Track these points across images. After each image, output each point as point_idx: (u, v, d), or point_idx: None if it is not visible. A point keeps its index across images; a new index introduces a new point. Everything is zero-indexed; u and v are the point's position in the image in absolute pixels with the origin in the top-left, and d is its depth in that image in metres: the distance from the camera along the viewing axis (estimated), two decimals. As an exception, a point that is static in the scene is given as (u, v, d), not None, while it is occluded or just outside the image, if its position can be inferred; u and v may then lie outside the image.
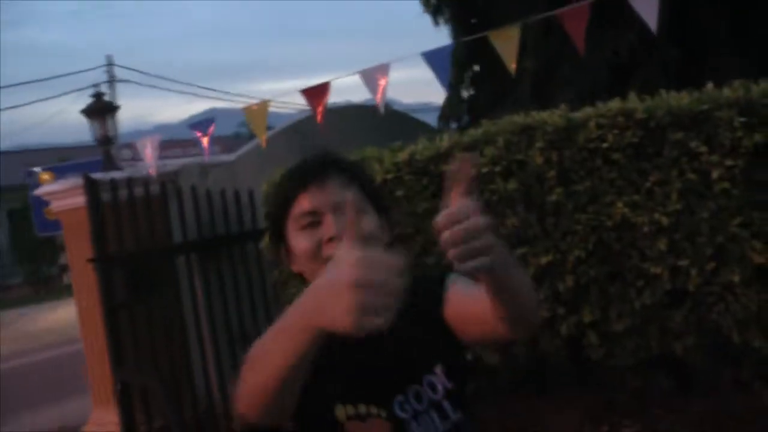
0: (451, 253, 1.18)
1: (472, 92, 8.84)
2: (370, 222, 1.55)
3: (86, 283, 5.62)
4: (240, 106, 5.69)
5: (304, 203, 1.55)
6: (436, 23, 8.63)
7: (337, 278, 1.10)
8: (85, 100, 8.34)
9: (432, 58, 5.03)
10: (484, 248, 1.18)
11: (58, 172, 11.62)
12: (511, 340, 1.50)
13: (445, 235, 1.17)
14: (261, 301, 6.09)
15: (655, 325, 4.18)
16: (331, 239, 1.51)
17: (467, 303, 1.54)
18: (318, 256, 1.53)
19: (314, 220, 1.54)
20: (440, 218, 1.18)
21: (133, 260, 5.47)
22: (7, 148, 40.22)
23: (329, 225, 1.52)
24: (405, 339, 1.59)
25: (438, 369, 1.61)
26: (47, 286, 23.31)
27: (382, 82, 5.17)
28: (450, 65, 4.97)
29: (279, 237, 1.62)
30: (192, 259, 5.79)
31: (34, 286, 24.43)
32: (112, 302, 5.27)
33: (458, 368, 1.64)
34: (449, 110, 8.70)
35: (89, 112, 7.89)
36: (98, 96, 8.16)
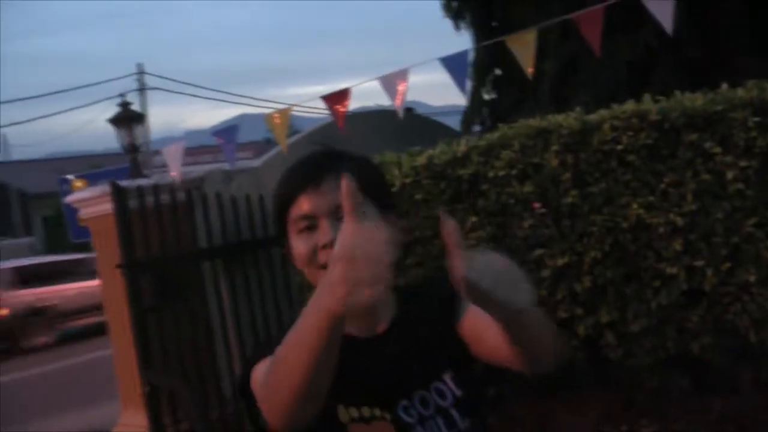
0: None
1: (493, 95, 8.89)
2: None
3: (114, 289, 5.75)
4: (269, 111, 5.78)
5: (301, 206, 1.52)
6: (457, 28, 8.69)
7: (333, 254, 1.17)
8: (116, 108, 8.47)
9: (450, 63, 5.09)
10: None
11: (91, 180, 11.85)
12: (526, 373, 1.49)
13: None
14: (286, 304, 6.18)
15: (671, 325, 4.22)
16: (325, 246, 1.48)
17: (484, 327, 1.48)
18: (314, 261, 1.51)
19: (311, 224, 1.52)
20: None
21: (160, 265, 5.60)
22: (40, 157, 40.89)
23: (324, 231, 1.50)
24: (412, 343, 1.59)
25: (447, 376, 1.59)
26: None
27: (401, 87, 5.24)
28: (468, 70, 5.03)
29: (283, 237, 1.59)
30: (217, 264, 5.91)
31: (69, 292, 24.79)
32: (139, 306, 5.39)
33: (470, 377, 1.62)
34: (471, 114, 8.76)
35: (116, 121, 8.07)
36: (125, 105, 8.33)
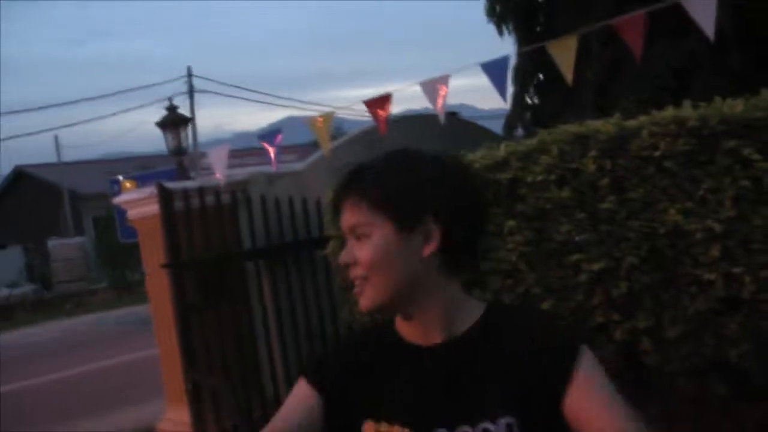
0: None
1: (537, 100, 8.91)
2: (368, 248, 1.52)
3: (160, 288, 5.90)
4: (316, 114, 5.87)
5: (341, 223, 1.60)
6: (501, 33, 8.72)
7: None
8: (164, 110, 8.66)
9: (490, 68, 5.14)
10: None
11: (140, 181, 12.11)
12: None
13: None
14: (327, 305, 6.28)
15: (709, 331, 4.20)
16: (346, 264, 1.57)
17: (587, 420, 1.43)
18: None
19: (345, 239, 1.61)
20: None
21: (205, 266, 5.74)
22: (92, 158, 41.69)
23: (345, 250, 1.58)
24: (472, 375, 1.52)
25: (503, 420, 1.47)
26: (130, 290, 24.12)
27: (442, 92, 5.30)
28: (507, 75, 5.07)
29: None
30: (260, 265, 6.03)
31: (118, 291, 25.28)
32: (184, 306, 5.54)
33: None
34: (514, 118, 8.80)
35: (163, 124, 8.26)
36: (172, 109, 8.52)
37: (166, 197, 5.55)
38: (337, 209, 1.60)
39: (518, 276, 4.54)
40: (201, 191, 5.79)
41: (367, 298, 1.55)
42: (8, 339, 19.04)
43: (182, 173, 7.58)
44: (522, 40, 8.45)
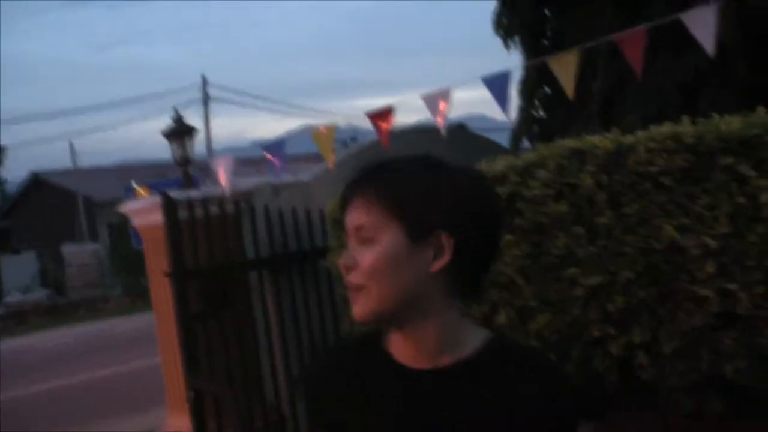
0: None
1: (543, 113, 8.94)
2: (372, 253, 1.44)
3: (163, 296, 5.96)
4: (334, 122, 5.91)
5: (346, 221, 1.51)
6: (507, 46, 8.76)
7: None
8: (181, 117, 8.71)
9: (491, 82, 5.18)
10: None
11: (154, 188, 12.20)
12: None
13: None
14: (330, 314, 6.32)
15: (705, 346, 4.21)
16: (347, 267, 1.48)
17: None
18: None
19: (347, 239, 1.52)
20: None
21: (208, 275, 5.79)
22: (108, 164, 41.99)
23: (345, 253, 1.50)
24: (475, 404, 1.46)
25: None
26: (144, 297, 24.27)
27: (443, 105, 5.35)
28: (507, 89, 5.11)
29: None
30: (263, 275, 6.07)
31: (132, 297, 25.43)
32: (186, 314, 5.59)
33: None
34: (520, 131, 8.83)
35: (169, 134, 8.35)
36: (178, 119, 8.61)
37: (169, 207, 5.61)
38: (344, 206, 1.50)
39: (515, 289, 4.56)
40: (205, 201, 5.85)
41: (361, 307, 1.45)
42: (21, 344, 19.19)
43: (188, 183, 7.64)
44: (529, 53, 8.49)
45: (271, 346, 6.05)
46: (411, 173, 1.45)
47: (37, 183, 37.92)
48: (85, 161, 38.82)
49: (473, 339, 1.50)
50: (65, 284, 28.61)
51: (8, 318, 24.88)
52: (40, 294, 27.80)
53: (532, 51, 8.41)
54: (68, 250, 29.05)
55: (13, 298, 27.00)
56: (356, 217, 1.46)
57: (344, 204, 1.50)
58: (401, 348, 1.50)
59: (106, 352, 15.16)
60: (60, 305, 26.60)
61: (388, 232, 1.43)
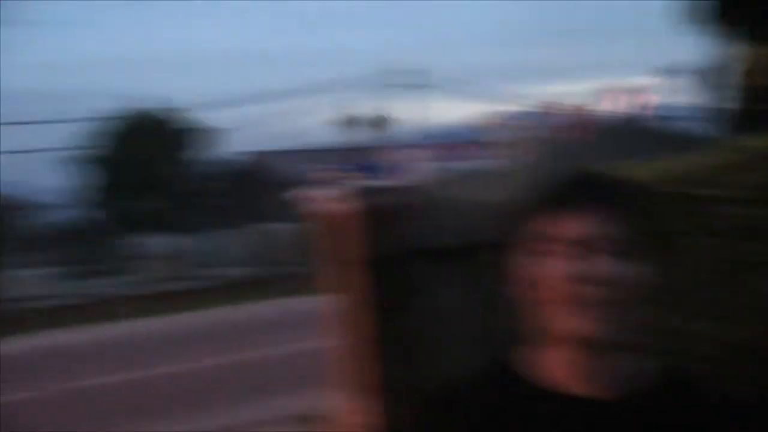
0: None
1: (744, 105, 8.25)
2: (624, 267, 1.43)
3: (347, 283, 6.01)
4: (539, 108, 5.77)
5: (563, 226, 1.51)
6: (698, 34, 8.13)
7: None
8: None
9: (674, 72, 4.80)
10: None
11: (349, 171, 12.51)
12: None
13: None
14: (503, 311, 6.14)
15: None
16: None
17: None
18: None
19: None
20: None
21: (391, 263, 5.78)
22: (296, 148, 43.34)
23: (587, 262, 1.49)
24: None
25: None
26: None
27: (642, 97, 5.02)
28: (701, 77, 4.72)
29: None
30: (447, 265, 5.99)
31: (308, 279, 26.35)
32: (372, 301, 5.61)
33: None
34: (717, 123, 8.21)
35: (344, 122, 8.47)
36: (359, 107, 8.72)
37: (356, 194, 5.63)
38: (562, 207, 1.44)
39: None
40: (392, 189, 5.83)
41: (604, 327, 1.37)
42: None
43: (364, 169, 7.74)
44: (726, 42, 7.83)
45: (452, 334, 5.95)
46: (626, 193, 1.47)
47: (256, 162, 39.84)
48: (272, 144, 40.32)
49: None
50: (280, 259, 30.01)
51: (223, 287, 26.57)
52: (252, 268, 29.58)
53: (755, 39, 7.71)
54: (276, 227, 30.54)
55: (231, 272, 29.01)
56: (593, 226, 1.42)
57: (564, 205, 1.47)
58: (568, 372, 1.49)
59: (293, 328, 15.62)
60: (269, 279, 28.00)
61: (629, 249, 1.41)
